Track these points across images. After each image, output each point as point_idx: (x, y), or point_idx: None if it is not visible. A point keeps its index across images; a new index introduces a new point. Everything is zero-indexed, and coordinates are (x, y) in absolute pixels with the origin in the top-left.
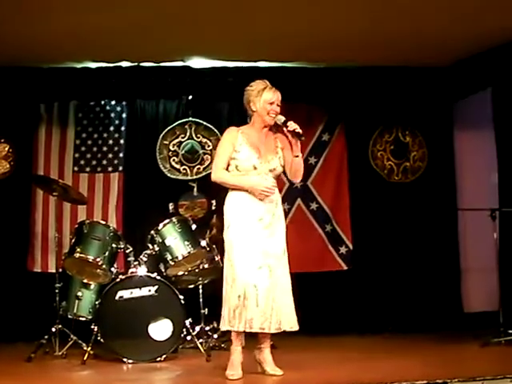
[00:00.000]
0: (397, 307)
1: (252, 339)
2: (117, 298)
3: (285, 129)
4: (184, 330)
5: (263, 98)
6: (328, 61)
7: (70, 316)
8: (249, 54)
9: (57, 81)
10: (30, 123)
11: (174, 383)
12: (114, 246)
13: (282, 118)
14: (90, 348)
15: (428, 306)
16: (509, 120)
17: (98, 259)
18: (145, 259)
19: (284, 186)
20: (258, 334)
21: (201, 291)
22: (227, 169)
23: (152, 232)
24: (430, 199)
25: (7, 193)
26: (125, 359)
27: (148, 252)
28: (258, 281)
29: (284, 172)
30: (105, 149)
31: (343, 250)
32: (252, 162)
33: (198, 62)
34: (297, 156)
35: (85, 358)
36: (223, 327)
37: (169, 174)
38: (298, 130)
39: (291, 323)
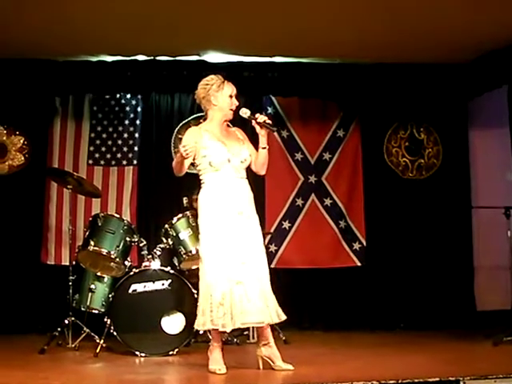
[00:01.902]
0: (409, 304)
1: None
2: (130, 291)
3: (253, 121)
4: None
5: (224, 92)
6: (343, 57)
7: (83, 308)
8: (264, 48)
9: (72, 74)
10: (45, 116)
11: (186, 377)
12: (127, 239)
13: (247, 111)
14: (102, 341)
15: (440, 303)
16: None
17: (112, 252)
18: (158, 253)
19: (299, 182)
20: (262, 331)
21: None
22: (197, 167)
23: (166, 226)
24: (444, 196)
25: (22, 185)
26: (137, 352)
27: (162, 246)
28: (244, 276)
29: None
30: (119, 142)
31: (357, 246)
32: (225, 155)
33: (213, 57)
34: (264, 148)
35: (97, 350)
36: (200, 327)
37: None
38: (268, 121)
39: (282, 314)
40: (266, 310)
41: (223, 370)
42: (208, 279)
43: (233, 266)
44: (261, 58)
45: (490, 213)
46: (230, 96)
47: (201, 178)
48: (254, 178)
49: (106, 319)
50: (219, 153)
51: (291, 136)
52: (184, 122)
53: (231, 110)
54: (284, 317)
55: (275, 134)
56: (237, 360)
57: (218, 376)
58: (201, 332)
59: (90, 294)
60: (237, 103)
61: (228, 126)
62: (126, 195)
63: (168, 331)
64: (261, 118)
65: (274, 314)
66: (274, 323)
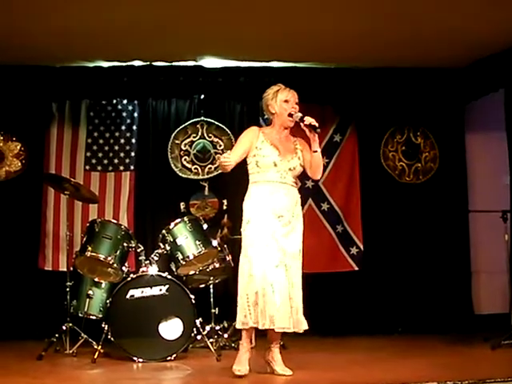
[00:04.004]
0: (407, 308)
1: (261, 339)
2: (128, 296)
3: (301, 124)
4: (194, 329)
5: (279, 99)
6: (339, 61)
7: (80, 314)
8: (261, 54)
9: (69, 80)
10: (41, 122)
11: (184, 382)
12: (125, 244)
13: (299, 115)
14: (100, 346)
15: (438, 307)
16: None
17: (109, 258)
18: (156, 258)
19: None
20: (268, 334)
21: (211, 291)
22: (246, 165)
23: (163, 231)
24: (442, 200)
25: (19, 191)
26: (135, 358)
27: (159, 251)
28: (275, 279)
29: (305, 172)
30: (116, 148)
31: (354, 250)
32: (272, 158)
33: (210, 62)
34: (315, 151)
35: (95, 356)
36: (239, 325)
37: (180, 174)
38: (314, 123)
39: (305, 324)
40: (291, 316)
41: (243, 371)
42: (247, 279)
43: (266, 269)
44: (257, 62)
45: (487, 217)
46: (286, 101)
47: (249, 177)
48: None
49: (103, 325)
50: (268, 155)
51: None
52: (181, 127)
53: (289, 115)
54: (305, 327)
55: None
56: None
57: (217, 381)
58: (198, 337)
59: (87, 299)
60: (294, 108)
61: (293, 135)
62: (123, 201)
63: (166, 337)
64: (307, 120)
65: (297, 322)
66: (294, 331)
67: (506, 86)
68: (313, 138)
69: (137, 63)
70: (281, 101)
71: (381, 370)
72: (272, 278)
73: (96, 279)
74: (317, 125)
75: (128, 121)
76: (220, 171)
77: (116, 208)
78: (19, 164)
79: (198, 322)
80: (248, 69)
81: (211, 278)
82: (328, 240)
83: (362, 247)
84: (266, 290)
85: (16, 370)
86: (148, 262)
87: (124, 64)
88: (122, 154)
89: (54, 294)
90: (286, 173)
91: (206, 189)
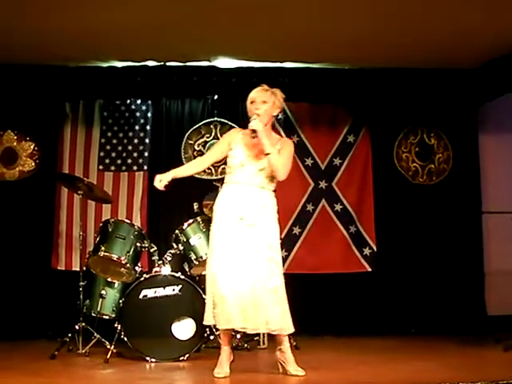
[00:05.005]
0: (420, 309)
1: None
2: (141, 296)
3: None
4: (207, 329)
5: (248, 100)
6: (353, 62)
7: (93, 314)
8: (275, 54)
9: (83, 79)
10: (55, 122)
11: (196, 382)
12: (138, 244)
13: (253, 118)
14: (113, 346)
15: (451, 308)
16: None
17: (123, 258)
18: (169, 258)
19: (309, 187)
20: (275, 336)
21: None
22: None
23: (176, 231)
24: (455, 202)
25: (32, 191)
26: (148, 358)
27: (172, 251)
28: (235, 280)
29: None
30: (130, 148)
31: (367, 251)
32: (240, 159)
33: (223, 62)
34: (267, 154)
35: (108, 356)
36: (205, 322)
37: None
38: (252, 127)
39: (280, 324)
40: (254, 317)
41: (222, 374)
42: (208, 279)
43: (227, 271)
44: (271, 63)
45: (501, 218)
46: (252, 102)
47: None
48: None
49: (116, 325)
50: (236, 156)
51: (301, 141)
52: (194, 127)
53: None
54: (275, 327)
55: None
56: (246, 365)
57: (225, 381)
58: (211, 337)
59: (100, 299)
60: (257, 108)
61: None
62: (137, 201)
63: (178, 337)
64: (249, 124)
65: (263, 323)
66: (261, 332)
67: None
68: (259, 142)
69: (151, 63)
70: (248, 103)
71: (393, 370)
72: (232, 278)
73: (109, 279)
74: (258, 128)
75: (142, 121)
76: None
77: (129, 208)
78: (33, 164)
79: None
80: (261, 69)
81: None
82: (341, 241)
83: (374, 248)
84: (225, 291)
85: (29, 369)
86: (161, 262)
87: (138, 64)
88: (135, 154)
89: (67, 293)
90: (256, 174)
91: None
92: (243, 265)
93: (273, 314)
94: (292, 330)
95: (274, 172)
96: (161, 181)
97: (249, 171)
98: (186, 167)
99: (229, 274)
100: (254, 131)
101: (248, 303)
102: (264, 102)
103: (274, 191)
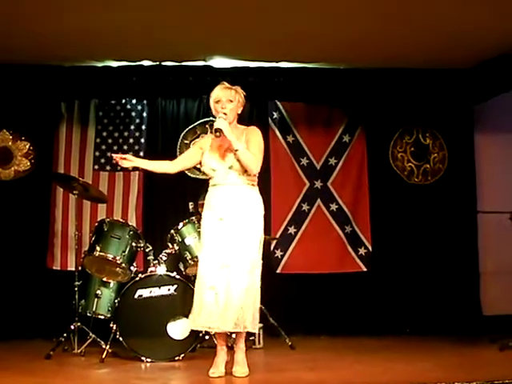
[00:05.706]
0: (415, 309)
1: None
2: (136, 296)
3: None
4: None
5: (212, 100)
6: (348, 62)
7: (88, 314)
8: (270, 54)
9: (78, 79)
10: (50, 121)
11: (191, 382)
12: (133, 244)
13: (219, 117)
14: (108, 346)
15: (446, 308)
16: None
17: (118, 258)
18: (164, 258)
19: (304, 187)
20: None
21: None
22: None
23: (172, 231)
24: (450, 201)
25: (28, 190)
26: (143, 358)
27: (168, 251)
28: (218, 281)
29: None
30: (125, 147)
31: (362, 251)
32: (209, 166)
33: (219, 62)
34: (236, 150)
35: (103, 356)
36: (192, 327)
37: (189, 174)
38: (216, 126)
39: (247, 323)
40: (233, 317)
41: (217, 373)
42: (196, 281)
43: (209, 272)
44: (266, 63)
45: (496, 218)
46: (217, 102)
47: None
48: (258, 183)
49: (111, 324)
50: (205, 163)
51: (297, 141)
52: (190, 127)
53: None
54: (251, 329)
55: (281, 139)
56: None
57: (220, 381)
58: (207, 337)
59: (95, 299)
60: (223, 108)
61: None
62: (132, 200)
63: (174, 336)
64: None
65: (231, 322)
66: (239, 331)
67: None
68: (225, 140)
69: (146, 63)
70: (213, 102)
71: (389, 370)
72: (214, 279)
73: (104, 279)
74: (223, 128)
75: (137, 120)
76: None
77: (125, 208)
78: (28, 163)
79: None
80: (257, 69)
81: None
82: (336, 241)
83: (370, 248)
84: (207, 292)
85: (24, 369)
86: (156, 261)
87: (133, 64)
88: (130, 154)
89: (63, 293)
90: (227, 173)
91: None
92: (226, 265)
93: (245, 314)
94: (255, 330)
95: (246, 168)
96: (126, 160)
97: (221, 172)
98: (156, 164)
99: (210, 276)
100: (217, 130)
101: (234, 304)
102: (230, 101)
103: (254, 185)
